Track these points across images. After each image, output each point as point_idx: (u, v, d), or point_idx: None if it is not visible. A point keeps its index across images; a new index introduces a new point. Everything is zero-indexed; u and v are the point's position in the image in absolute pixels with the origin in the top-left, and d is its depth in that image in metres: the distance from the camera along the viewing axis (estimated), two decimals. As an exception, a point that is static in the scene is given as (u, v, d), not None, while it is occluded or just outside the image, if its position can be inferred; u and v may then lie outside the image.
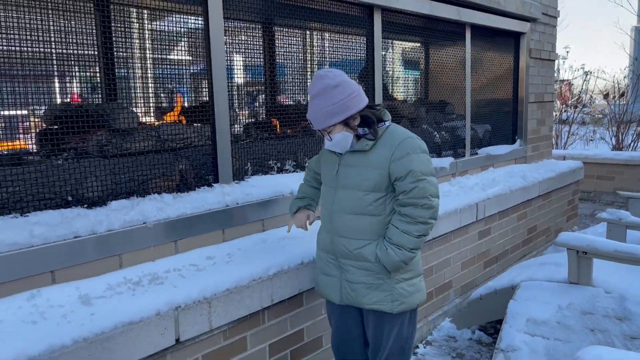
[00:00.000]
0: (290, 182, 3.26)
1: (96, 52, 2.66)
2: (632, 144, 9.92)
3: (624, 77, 12.15)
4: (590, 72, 14.00)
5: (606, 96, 12.71)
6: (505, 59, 5.83)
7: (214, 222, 2.83)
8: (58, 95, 2.62)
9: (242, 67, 3.19)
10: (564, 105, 13.14)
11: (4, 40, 2.21)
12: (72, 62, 2.51)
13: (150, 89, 2.92)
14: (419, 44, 4.60)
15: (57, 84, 2.61)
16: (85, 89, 2.75)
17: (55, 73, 2.51)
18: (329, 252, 2.51)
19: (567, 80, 15.43)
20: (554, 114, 12.28)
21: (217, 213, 2.84)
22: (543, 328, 3.15)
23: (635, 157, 8.75)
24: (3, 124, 2.32)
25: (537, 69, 6.21)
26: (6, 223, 2.10)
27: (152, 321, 2.17)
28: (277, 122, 3.42)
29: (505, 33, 5.65)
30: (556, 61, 6.66)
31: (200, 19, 2.83)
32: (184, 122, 2.98)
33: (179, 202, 2.70)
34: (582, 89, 12.62)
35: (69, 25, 2.42)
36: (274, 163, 3.30)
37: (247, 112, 3.24)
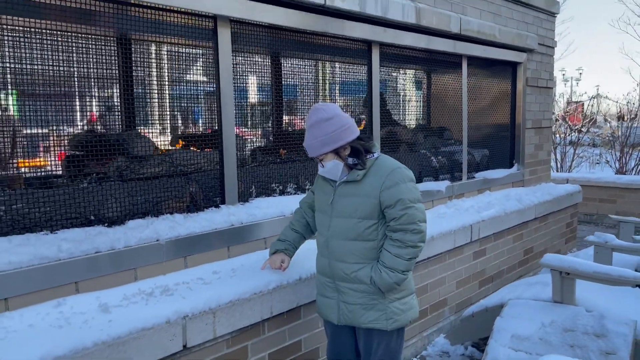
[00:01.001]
0: (291, 203, 3.52)
1: (117, 90, 2.99)
2: (635, 168, 10.08)
3: (627, 102, 12.33)
4: (601, 95, 14.18)
5: (620, 118, 12.85)
6: (502, 86, 6.10)
7: (221, 240, 3.11)
8: (82, 124, 2.94)
9: (249, 98, 3.50)
10: (573, 126, 13.30)
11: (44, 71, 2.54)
12: (96, 94, 2.83)
13: (163, 118, 3.23)
14: (417, 74, 4.89)
15: (82, 115, 2.93)
16: (107, 117, 3.06)
17: (81, 105, 2.84)
18: (327, 276, 2.73)
19: (580, 102, 15.59)
20: (562, 135, 12.46)
21: (223, 232, 3.12)
22: (526, 343, 3.36)
23: (636, 180, 8.92)
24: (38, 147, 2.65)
25: (534, 96, 6.47)
26: (38, 239, 2.40)
27: (162, 328, 2.44)
28: (281, 149, 3.71)
29: (501, 62, 5.93)
30: (570, 82, 6.92)
31: (210, 54, 3.16)
32: (194, 148, 3.28)
33: (189, 221, 2.98)
34: (596, 110, 12.78)
35: (96, 62, 2.75)
36: (276, 186, 3.58)
37: (252, 138, 3.53)
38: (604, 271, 3.37)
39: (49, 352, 2.10)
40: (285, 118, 3.89)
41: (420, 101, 4.84)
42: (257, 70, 3.53)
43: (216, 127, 3.22)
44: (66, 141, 2.76)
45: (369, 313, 2.61)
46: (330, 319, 2.75)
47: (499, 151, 6.12)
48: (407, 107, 4.81)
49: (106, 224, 2.67)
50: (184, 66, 3.14)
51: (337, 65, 4.13)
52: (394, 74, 4.59)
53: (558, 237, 6.51)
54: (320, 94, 4.03)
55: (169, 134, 3.23)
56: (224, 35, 3.18)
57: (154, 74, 3.20)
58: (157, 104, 3.18)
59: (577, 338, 3.30)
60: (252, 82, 3.54)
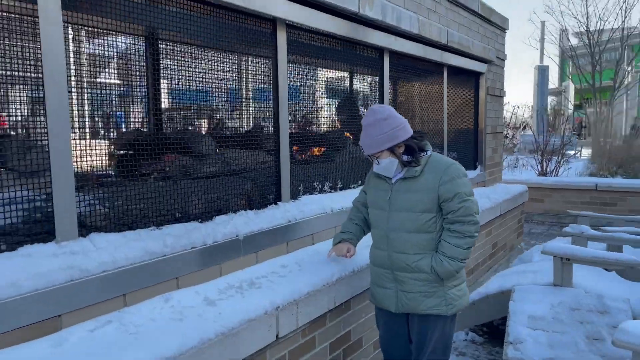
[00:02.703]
0: (330, 201, 3.71)
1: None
2: (554, 170, 11.26)
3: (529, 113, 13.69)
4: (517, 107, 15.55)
5: (517, 128, 14.15)
6: (469, 94, 6.64)
7: (282, 236, 3.22)
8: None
9: (298, 102, 3.63)
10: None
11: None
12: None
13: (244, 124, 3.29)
14: (412, 81, 5.23)
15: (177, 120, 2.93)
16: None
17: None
18: (385, 267, 2.90)
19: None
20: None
21: (282, 228, 3.23)
22: (541, 322, 3.78)
23: (560, 182, 9.97)
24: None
25: (492, 104, 7.10)
26: (148, 235, 2.39)
27: (262, 319, 2.53)
28: (322, 149, 3.87)
29: (469, 72, 6.46)
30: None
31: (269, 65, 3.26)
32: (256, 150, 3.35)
33: (259, 217, 3.07)
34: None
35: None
36: (317, 184, 3.73)
37: (301, 141, 3.67)
38: (602, 256, 3.89)
39: (183, 343, 2.14)
40: (324, 121, 4.05)
41: (413, 107, 5.18)
42: (308, 75, 3.67)
43: (272, 130, 3.32)
44: (172, 144, 2.77)
45: (429, 300, 2.81)
46: (388, 308, 2.93)
47: (466, 154, 6.65)
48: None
49: (200, 220, 2.69)
50: (244, 70, 3.21)
51: (357, 71, 4.35)
52: (399, 81, 4.89)
53: (513, 232, 7.17)
54: (345, 100, 4.23)
55: (238, 136, 3.28)
56: (281, 40, 3.30)
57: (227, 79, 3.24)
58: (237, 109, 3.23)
59: (584, 315, 3.77)
60: (303, 87, 3.66)
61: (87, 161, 2.36)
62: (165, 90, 2.96)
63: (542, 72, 25.79)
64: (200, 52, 2.92)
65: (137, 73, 2.72)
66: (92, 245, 2.18)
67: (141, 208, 2.46)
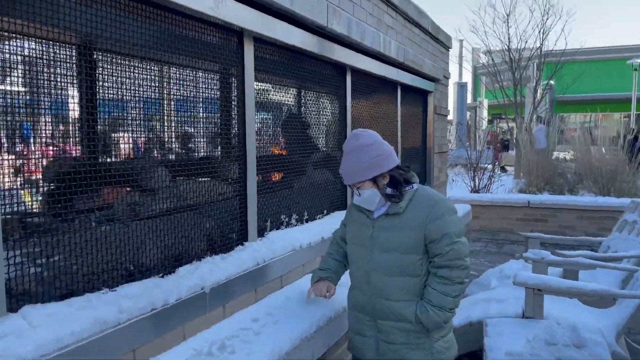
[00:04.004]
0: (300, 236, 3.30)
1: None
2: (487, 186, 11.48)
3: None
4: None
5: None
6: (418, 113, 6.49)
7: (250, 282, 2.77)
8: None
9: (267, 123, 3.20)
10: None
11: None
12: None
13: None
14: (369, 99, 4.95)
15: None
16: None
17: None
18: (365, 313, 2.56)
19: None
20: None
21: (251, 272, 2.77)
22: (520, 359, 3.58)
23: (495, 199, 10.13)
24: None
25: (439, 123, 7.00)
26: (99, 299, 1.87)
27: (241, 394, 2.08)
28: (286, 175, 3.45)
29: (418, 91, 6.31)
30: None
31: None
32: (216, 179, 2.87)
33: (226, 262, 2.60)
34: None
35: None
36: (284, 218, 3.31)
37: (268, 168, 3.21)
38: (577, 287, 3.76)
39: None
40: (291, 144, 3.63)
41: (371, 127, 4.90)
42: (275, 93, 3.24)
43: (238, 157, 2.87)
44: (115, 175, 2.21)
45: (414, 353, 2.48)
46: (367, 358, 2.60)
47: (416, 174, 6.46)
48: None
49: (161, 274, 2.19)
50: (204, 88, 2.74)
51: (322, 89, 3.98)
52: (359, 100, 4.58)
53: (460, 253, 7.08)
54: (309, 118, 3.84)
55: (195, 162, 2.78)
56: (249, 55, 2.87)
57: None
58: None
59: (561, 351, 3.61)
60: (270, 107, 3.24)
61: (11, 203, 1.81)
62: (104, 110, 2.44)
63: (461, 88, 26.85)
64: (147, 65, 2.41)
65: (73, 87, 2.18)
66: (27, 323, 1.64)
67: (89, 264, 1.93)
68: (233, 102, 2.84)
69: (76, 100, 2.16)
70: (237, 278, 2.64)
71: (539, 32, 16.80)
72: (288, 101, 3.57)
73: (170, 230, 2.37)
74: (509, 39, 16.66)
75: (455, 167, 15.28)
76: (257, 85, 3.03)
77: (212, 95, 2.75)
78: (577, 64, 20.46)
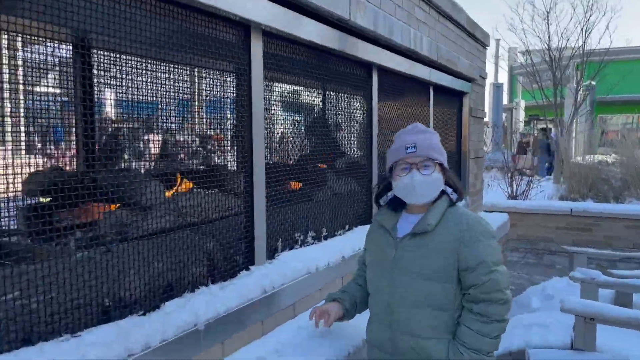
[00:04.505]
0: (317, 255, 2.92)
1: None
2: (525, 192, 10.85)
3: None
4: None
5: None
6: (453, 117, 6.02)
7: (255, 313, 2.39)
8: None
9: (275, 133, 2.82)
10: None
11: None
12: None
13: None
14: (397, 103, 4.53)
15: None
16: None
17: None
18: (385, 351, 2.14)
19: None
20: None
21: (257, 302, 2.40)
22: (570, 400, 3.11)
23: (535, 206, 9.52)
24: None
25: (475, 127, 6.51)
26: (57, 348, 1.52)
27: None
28: (301, 185, 3.07)
29: (453, 92, 5.84)
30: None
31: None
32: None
33: (225, 292, 2.23)
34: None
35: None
36: (298, 235, 2.92)
37: (278, 178, 2.83)
38: (638, 317, 3.26)
39: None
40: (306, 150, 3.25)
41: (398, 127, 4.48)
42: (288, 95, 2.88)
43: (244, 166, 2.50)
44: (98, 187, 1.87)
45: None
46: None
47: (450, 181, 6.01)
48: (389, 137, 4.41)
49: (142, 311, 1.83)
50: (207, 87, 2.38)
51: (343, 90, 3.59)
52: (387, 102, 4.17)
53: (497, 266, 6.57)
54: (331, 121, 3.46)
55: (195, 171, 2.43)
56: (257, 50, 2.50)
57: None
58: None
59: (618, 391, 3.12)
60: (280, 109, 2.87)
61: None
62: (89, 112, 2.11)
63: (497, 89, 26.05)
64: (144, 63, 2.08)
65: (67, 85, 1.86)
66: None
67: (47, 302, 1.59)
68: (238, 103, 2.48)
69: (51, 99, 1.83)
70: (239, 310, 2.27)
71: (582, 29, 15.95)
72: (305, 103, 3.19)
73: (156, 256, 2.01)
74: (549, 37, 15.89)
75: (490, 171, 14.63)
76: (267, 84, 2.66)
77: (213, 96, 2.39)
78: (622, 64, 19.45)
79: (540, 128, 21.51)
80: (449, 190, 2.16)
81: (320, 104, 3.34)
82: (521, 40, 26.60)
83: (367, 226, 3.82)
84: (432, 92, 5.10)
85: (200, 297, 2.11)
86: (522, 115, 28.54)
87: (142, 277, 1.94)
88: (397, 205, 2.22)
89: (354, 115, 3.72)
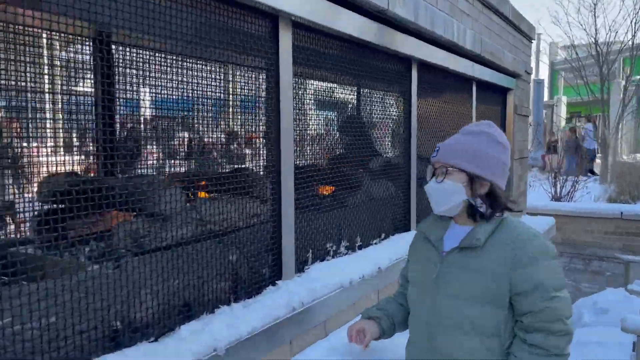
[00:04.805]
0: (350, 267, 2.67)
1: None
2: (569, 194, 10.32)
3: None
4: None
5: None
6: (497, 115, 5.67)
7: (283, 333, 2.16)
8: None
9: (305, 133, 2.59)
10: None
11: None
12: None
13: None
14: (437, 100, 4.24)
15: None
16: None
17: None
18: None
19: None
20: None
21: (285, 321, 2.17)
22: None
23: (581, 209, 9.02)
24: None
25: (519, 125, 6.14)
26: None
27: None
28: (333, 189, 2.83)
29: (498, 89, 5.50)
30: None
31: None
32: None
33: (249, 311, 2.01)
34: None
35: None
36: (330, 245, 2.69)
37: (309, 181, 2.59)
38: None
39: None
40: (339, 150, 3.01)
41: (440, 130, 4.19)
42: (324, 90, 2.64)
43: (271, 168, 2.28)
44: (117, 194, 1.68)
45: None
46: None
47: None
48: (429, 136, 4.13)
49: (152, 337, 1.63)
50: (232, 84, 2.16)
51: (378, 87, 3.33)
52: (426, 100, 3.88)
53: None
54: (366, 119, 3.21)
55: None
56: (285, 43, 2.28)
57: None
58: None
59: None
60: (316, 105, 2.65)
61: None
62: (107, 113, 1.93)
63: (537, 85, 25.26)
64: (163, 59, 1.88)
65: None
66: None
67: (39, 326, 1.39)
68: (264, 101, 2.25)
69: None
70: (265, 330, 2.05)
71: (631, 22, 15.13)
72: (338, 100, 2.94)
73: (172, 271, 1.81)
74: (595, 30, 15.13)
75: (531, 170, 14.08)
76: (297, 81, 2.44)
77: (237, 93, 2.17)
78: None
79: (569, 127, 20.68)
80: (478, 202, 1.87)
81: (355, 101, 3.09)
82: (566, 34, 25.57)
83: (405, 234, 3.60)
84: (474, 89, 4.78)
85: (220, 318, 1.90)
86: (563, 112, 27.61)
87: (155, 296, 1.73)
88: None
89: (391, 114, 3.46)
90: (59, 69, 2.00)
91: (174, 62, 1.92)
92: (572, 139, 16.52)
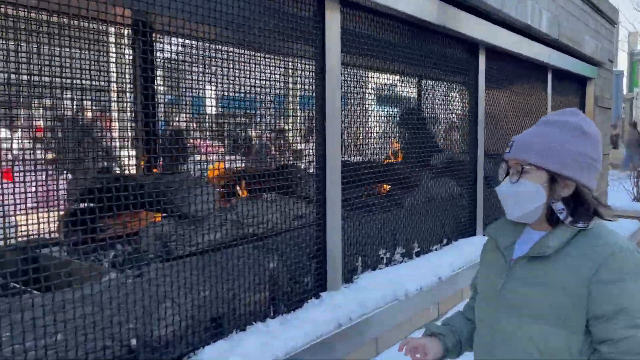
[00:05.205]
0: (407, 277, 2.38)
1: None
2: (652, 195, 9.42)
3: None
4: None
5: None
6: (575, 106, 5.15)
7: (327, 353, 1.90)
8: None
9: (353, 124, 2.32)
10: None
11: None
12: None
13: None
14: (507, 89, 3.85)
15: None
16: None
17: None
18: None
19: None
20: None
21: (329, 339, 1.91)
22: None
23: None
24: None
25: (600, 117, 5.57)
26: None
27: None
28: (387, 188, 2.55)
29: (577, 78, 4.98)
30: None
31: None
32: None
33: (287, 329, 1.77)
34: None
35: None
36: (383, 252, 2.40)
37: (356, 180, 2.32)
38: None
39: None
40: (390, 144, 2.72)
41: (510, 122, 3.79)
42: (377, 78, 2.37)
43: (318, 163, 2.03)
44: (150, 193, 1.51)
45: None
46: None
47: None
48: (497, 127, 3.74)
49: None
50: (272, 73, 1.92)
51: (438, 76, 3.00)
52: (495, 89, 3.51)
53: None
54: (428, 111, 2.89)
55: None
56: (333, 26, 2.01)
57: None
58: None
59: None
60: (368, 95, 2.38)
61: None
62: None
63: (616, 77, 23.73)
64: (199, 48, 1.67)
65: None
66: None
67: (48, 344, 1.21)
68: (308, 91, 2.00)
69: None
70: (306, 350, 1.80)
71: None
72: (393, 90, 2.65)
73: (199, 281, 1.59)
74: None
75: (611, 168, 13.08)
76: (345, 69, 2.17)
77: (276, 83, 1.93)
78: None
79: (632, 122, 19.16)
80: (559, 206, 1.53)
81: (413, 91, 2.78)
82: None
83: (471, 239, 3.25)
84: (550, 77, 4.32)
85: (253, 337, 1.66)
86: (645, 105, 25.86)
87: (179, 310, 1.52)
88: None
89: (454, 104, 3.12)
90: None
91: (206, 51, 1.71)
92: (634, 135, 15.26)
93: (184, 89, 1.82)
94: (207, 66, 1.77)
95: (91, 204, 1.87)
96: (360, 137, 2.37)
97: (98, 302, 1.38)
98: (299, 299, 1.95)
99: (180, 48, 1.72)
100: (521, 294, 1.47)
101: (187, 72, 1.82)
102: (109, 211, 1.52)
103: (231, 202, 1.82)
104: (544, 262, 1.45)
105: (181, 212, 1.77)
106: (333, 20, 2.04)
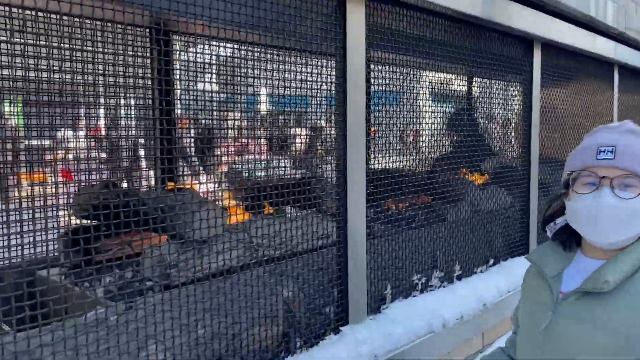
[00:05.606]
0: (444, 305, 2.10)
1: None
2: None
3: None
4: None
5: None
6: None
7: (346, 396, 1.66)
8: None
9: (383, 127, 2.05)
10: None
11: None
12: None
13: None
14: (565, 87, 3.47)
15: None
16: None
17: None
18: None
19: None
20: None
21: (349, 379, 1.66)
22: None
23: None
24: None
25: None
26: None
27: None
28: (425, 200, 2.26)
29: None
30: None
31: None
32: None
33: (296, 372, 1.53)
34: None
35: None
36: (417, 277, 2.12)
37: (383, 192, 2.05)
38: None
39: None
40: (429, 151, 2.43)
41: (569, 124, 3.42)
42: (411, 76, 2.11)
43: (338, 174, 1.78)
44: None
45: None
46: None
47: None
48: (554, 130, 3.37)
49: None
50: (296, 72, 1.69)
51: (486, 74, 2.69)
52: (551, 87, 3.15)
53: None
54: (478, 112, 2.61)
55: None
56: (357, 19, 1.76)
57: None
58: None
59: None
60: (401, 95, 2.12)
61: None
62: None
63: None
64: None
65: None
66: None
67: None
68: (327, 92, 1.76)
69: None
70: (318, 395, 1.56)
71: None
72: (429, 89, 2.36)
73: (190, 314, 1.38)
74: None
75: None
76: (374, 67, 1.92)
77: (290, 84, 1.69)
78: None
79: None
80: None
81: (456, 90, 2.49)
82: None
83: (522, 259, 2.91)
84: (616, 74, 3.89)
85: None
86: None
87: (164, 351, 1.31)
88: (570, 239, 1.36)
89: (503, 106, 2.79)
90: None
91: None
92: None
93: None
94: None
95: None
96: (388, 144, 2.09)
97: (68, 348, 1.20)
98: (316, 334, 1.70)
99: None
100: (571, 336, 1.20)
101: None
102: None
103: (230, 223, 1.60)
104: (600, 298, 1.18)
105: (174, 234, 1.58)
106: (357, 14, 1.79)
